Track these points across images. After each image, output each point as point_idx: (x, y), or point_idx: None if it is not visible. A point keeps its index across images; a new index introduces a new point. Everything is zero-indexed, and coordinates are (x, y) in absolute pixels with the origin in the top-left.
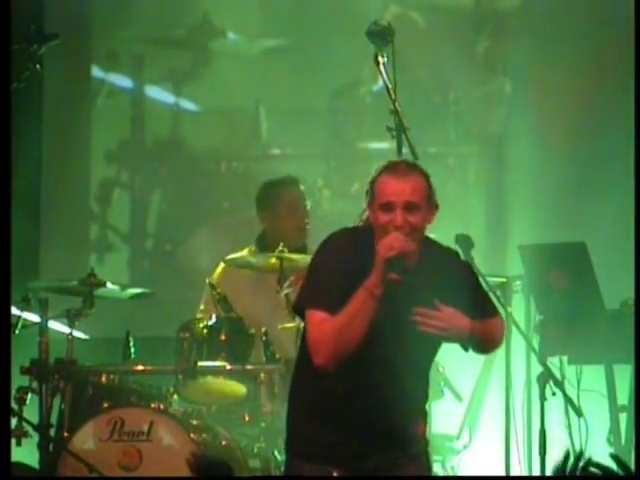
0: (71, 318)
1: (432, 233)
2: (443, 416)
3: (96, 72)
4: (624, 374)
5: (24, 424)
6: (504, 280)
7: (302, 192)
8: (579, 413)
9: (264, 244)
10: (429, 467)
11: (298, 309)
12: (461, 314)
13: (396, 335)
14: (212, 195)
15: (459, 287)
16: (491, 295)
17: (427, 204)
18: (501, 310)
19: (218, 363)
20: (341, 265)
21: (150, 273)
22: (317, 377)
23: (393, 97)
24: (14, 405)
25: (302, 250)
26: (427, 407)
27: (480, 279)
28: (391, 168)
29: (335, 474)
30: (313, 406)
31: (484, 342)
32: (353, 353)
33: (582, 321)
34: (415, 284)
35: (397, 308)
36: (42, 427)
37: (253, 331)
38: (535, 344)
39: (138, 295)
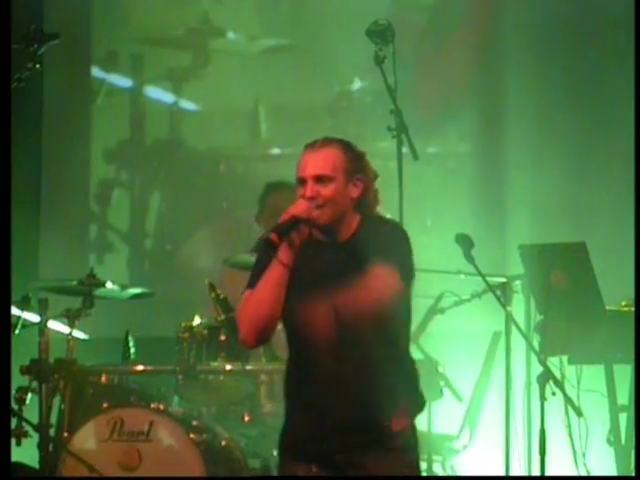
0: (71, 318)
1: (434, 231)
2: (443, 416)
3: (96, 72)
4: (624, 374)
5: (24, 424)
6: (504, 280)
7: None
8: (579, 413)
9: None
10: (414, 464)
11: None
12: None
13: (335, 316)
14: (212, 195)
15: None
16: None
17: (344, 175)
18: (501, 310)
19: (218, 363)
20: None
21: (150, 273)
22: (289, 373)
23: (393, 97)
24: (14, 405)
25: None
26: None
27: (406, 243)
28: (308, 144)
29: (314, 469)
30: (288, 404)
31: None
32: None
33: (582, 321)
34: (346, 257)
35: (328, 280)
36: (42, 427)
37: None
38: (535, 344)
39: (138, 295)
